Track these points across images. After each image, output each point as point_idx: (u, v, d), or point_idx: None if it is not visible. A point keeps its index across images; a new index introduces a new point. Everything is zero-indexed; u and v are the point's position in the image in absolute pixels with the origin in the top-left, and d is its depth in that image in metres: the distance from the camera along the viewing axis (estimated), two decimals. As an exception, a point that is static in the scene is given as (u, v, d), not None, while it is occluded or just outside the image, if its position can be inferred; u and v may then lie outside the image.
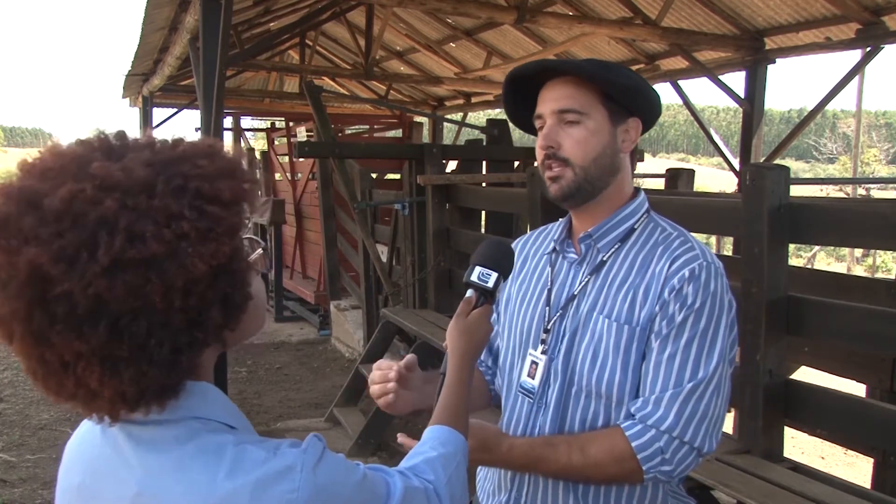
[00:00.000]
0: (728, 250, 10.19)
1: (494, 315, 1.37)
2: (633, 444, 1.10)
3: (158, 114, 10.51)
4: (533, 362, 1.22)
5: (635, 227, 1.21)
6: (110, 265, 0.64)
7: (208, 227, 0.68)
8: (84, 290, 0.64)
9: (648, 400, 1.11)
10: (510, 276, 1.28)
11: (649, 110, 1.21)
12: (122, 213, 0.65)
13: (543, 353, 1.21)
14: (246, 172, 0.76)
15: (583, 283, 1.21)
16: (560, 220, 1.31)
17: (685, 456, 1.10)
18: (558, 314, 1.21)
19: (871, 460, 2.82)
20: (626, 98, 1.17)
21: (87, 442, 0.80)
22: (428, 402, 1.22)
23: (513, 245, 1.34)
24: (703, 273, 1.12)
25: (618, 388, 1.14)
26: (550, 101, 1.18)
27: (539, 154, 1.20)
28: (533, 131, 1.24)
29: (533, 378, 1.21)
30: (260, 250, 0.83)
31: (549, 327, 1.22)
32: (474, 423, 1.12)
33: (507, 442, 1.16)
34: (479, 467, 1.36)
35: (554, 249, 1.28)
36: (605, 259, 1.20)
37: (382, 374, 1.19)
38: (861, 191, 15.92)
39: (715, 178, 29.28)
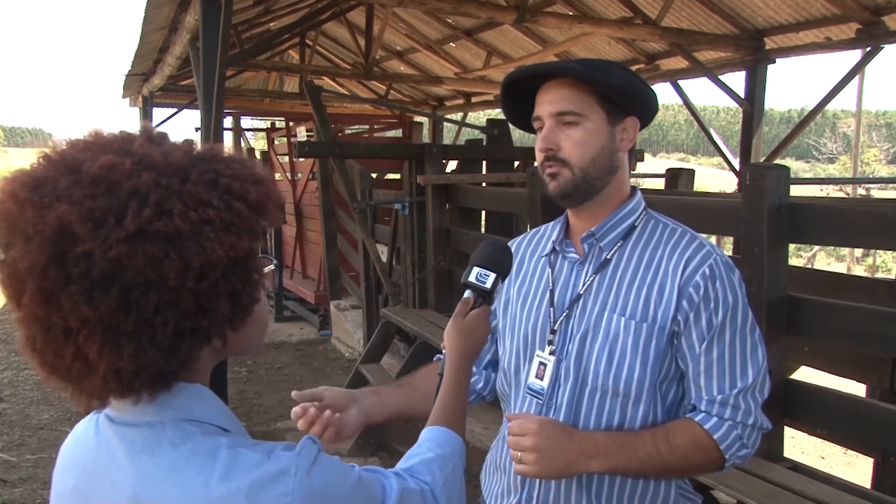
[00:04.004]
0: (728, 250, 10.19)
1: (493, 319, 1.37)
2: (715, 437, 1.14)
3: (158, 114, 10.54)
4: (541, 363, 1.22)
5: (636, 224, 1.22)
6: (134, 233, 0.66)
7: (231, 221, 0.71)
8: (104, 253, 0.66)
9: (715, 400, 1.15)
10: (508, 278, 1.28)
11: (646, 109, 1.22)
12: (154, 189, 0.69)
13: (552, 353, 1.21)
14: (272, 183, 0.79)
15: (588, 283, 1.21)
16: (554, 220, 1.31)
17: (757, 437, 1.18)
18: (564, 314, 1.21)
19: (871, 460, 2.82)
20: (623, 98, 1.17)
21: (82, 445, 0.80)
22: (369, 413, 1.22)
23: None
24: (721, 268, 1.15)
25: (636, 385, 1.15)
26: (548, 103, 1.18)
27: (538, 156, 1.20)
28: (533, 131, 1.24)
29: (541, 379, 1.22)
30: (272, 266, 0.85)
31: (555, 328, 1.22)
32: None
33: (583, 431, 1.17)
34: (483, 471, 1.36)
35: (553, 250, 1.28)
36: (609, 257, 1.21)
37: (305, 413, 1.15)
38: (861, 191, 15.91)
39: (715, 178, 29.27)
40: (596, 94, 1.16)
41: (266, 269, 0.82)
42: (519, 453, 1.11)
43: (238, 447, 0.73)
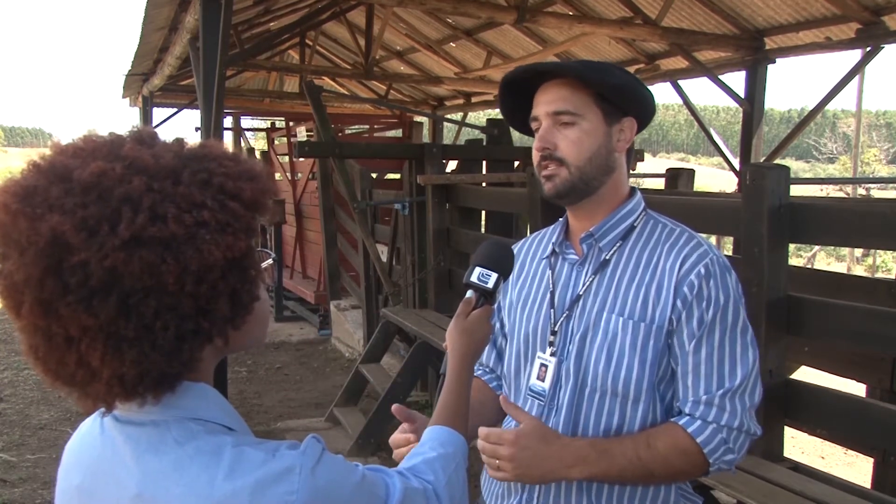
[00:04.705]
0: (728, 250, 10.18)
1: (496, 321, 1.37)
2: (698, 440, 1.12)
3: (158, 114, 10.53)
4: (542, 365, 1.22)
5: (635, 224, 1.22)
6: (129, 240, 0.66)
7: (227, 221, 0.71)
8: (100, 261, 0.65)
9: (700, 400, 1.13)
10: (510, 280, 1.28)
11: (643, 110, 1.22)
12: (147, 194, 0.68)
13: (552, 355, 1.21)
14: (266, 178, 0.78)
15: (587, 284, 1.21)
16: (555, 223, 1.31)
17: (744, 442, 1.15)
18: (564, 315, 1.22)
19: (871, 460, 2.82)
20: (620, 98, 1.18)
21: (87, 443, 0.80)
22: None
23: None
24: (716, 268, 1.15)
25: (635, 385, 1.15)
26: (545, 103, 1.19)
27: (535, 155, 1.21)
28: (530, 133, 1.25)
29: (542, 381, 1.22)
30: (270, 260, 0.85)
31: (556, 329, 1.22)
32: (532, 417, 1.14)
33: (566, 437, 1.15)
34: (484, 471, 1.36)
35: (553, 252, 1.28)
36: (608, 258, 1.21)
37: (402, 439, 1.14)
38: (861, 191, 15.91)
39: (715, 178, 29.26)
40: (593, 95, 1.17)
41: (264, 264, 0.82)
42: (496, 461, 1.09)
43: (242, 446, 0.73)
